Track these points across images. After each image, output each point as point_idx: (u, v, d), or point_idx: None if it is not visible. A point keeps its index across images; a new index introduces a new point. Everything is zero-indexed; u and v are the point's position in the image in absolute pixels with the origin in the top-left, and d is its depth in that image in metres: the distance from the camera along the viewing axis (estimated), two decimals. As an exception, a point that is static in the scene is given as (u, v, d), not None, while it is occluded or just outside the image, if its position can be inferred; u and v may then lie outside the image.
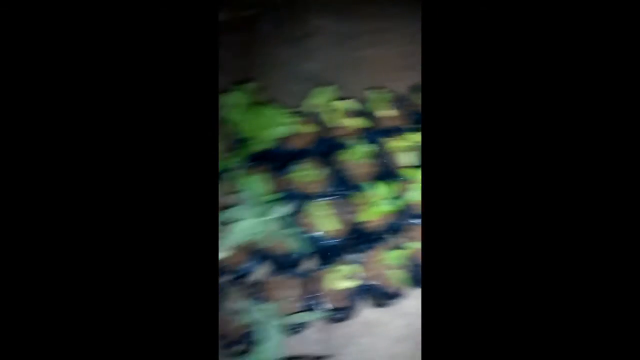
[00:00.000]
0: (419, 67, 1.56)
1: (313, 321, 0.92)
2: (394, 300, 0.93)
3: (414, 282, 0.96)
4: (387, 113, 1.08)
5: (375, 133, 1.03)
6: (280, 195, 0.92)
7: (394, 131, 1.03)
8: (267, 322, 0.78)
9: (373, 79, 1.38)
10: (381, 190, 0.90)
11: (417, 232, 0.91)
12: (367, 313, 0.98)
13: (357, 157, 0.97)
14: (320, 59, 1.50)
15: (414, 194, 0.89)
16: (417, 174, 0.91)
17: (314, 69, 1.47)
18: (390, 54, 1.46)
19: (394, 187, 0.92)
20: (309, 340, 0.97)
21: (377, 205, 0.90)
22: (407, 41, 1.49)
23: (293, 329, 0.85)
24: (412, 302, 1.01)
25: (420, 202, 0.91)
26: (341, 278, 0.84)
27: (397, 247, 0.87)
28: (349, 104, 1.06)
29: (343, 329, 0.97)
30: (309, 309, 0.84)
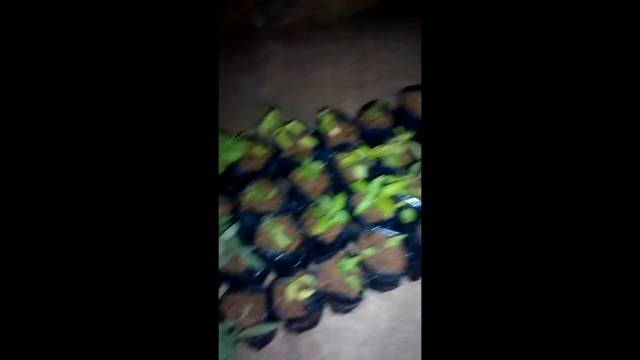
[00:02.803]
0: (370, 85, 1.62)
1: (276, 333, 0.95)
2: (354, 306, 0.98)
3: (371, 287, 1.02)
4: (337, 131, 1.15)
5: (327, 151, 1.10)
6: (233, 216, 0.97)
7: (344, 148, 1.09)
8: (224, 340, 0.81)
9: (325, 99, 1.45)
10: (334, 203, 0.95)
11: (370, 240, 0.97)
12: (329, 320, 1.03)
13: (309, 175, 1.03)
14: (274, 83, 1.58)
15: (365, 205, 0.95)
16: (367, 187, 0.97)
17: (267, 93, 1.54)
18: (341, 74, 1.55)
19: (346, 200, 0.98)
20: (274, 352, 1.01)
21: (331, 217, 0.95)
22: (356, 60, 1.58)
23: (256, 342, 0.88)
24: (371, 307, 1.06)
25: (368, 212, 0.98)
26: (300, 289, 0.89)
27: (352, 255, 0.93)
28: (300, 126, 1.13)
29: (307, 338, 1.01)
30: (269, 321, 0.88)
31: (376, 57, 1.58)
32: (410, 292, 1.09)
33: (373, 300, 1.08)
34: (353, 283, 0.89)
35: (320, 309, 0.95)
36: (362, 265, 0.93)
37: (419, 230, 0.99)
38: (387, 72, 1.53)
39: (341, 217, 0.95)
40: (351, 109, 1.28)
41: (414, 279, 1.09)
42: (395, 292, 1.09)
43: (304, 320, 0.90)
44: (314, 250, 0.96)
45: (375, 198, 0.93)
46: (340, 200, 0.96)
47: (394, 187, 0.94)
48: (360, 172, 1.04)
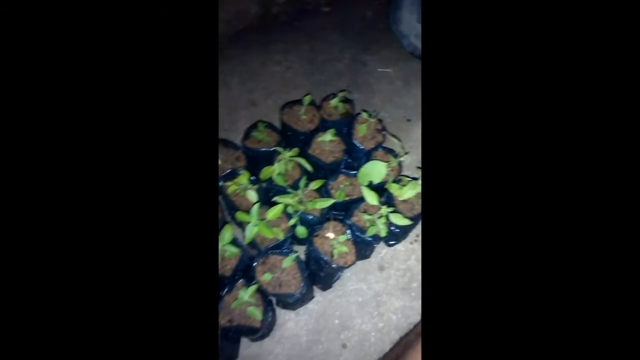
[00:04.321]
0: (260, 102, 1.60)
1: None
2: (263, 332, 0.98)
3: (283, 308, 1.03)
4: (222, 158, 1.14)
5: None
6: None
7: (232, 175, 1.09)
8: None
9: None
10: (223, 235, 0.94)
11: (267, 265, 0.97)
12: (248, 350, 1.02)
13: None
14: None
15: (251, 231, 0.94)
16: (252, 212, 0.97)
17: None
18: (231, 94, 1.53)
19: (233, 230, 0.98)
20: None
21: (224, 251, 0.95)
22: (245, 79, 1.58)
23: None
24: (289, 325, 1.07)
25: (261, 237, 0.99)
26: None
27: (249, 284, 0.92)
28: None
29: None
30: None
31: (264, 72, 1.59)
32: (323, 302, 1.11)
33: (290, 319, 1.09)
34: (254, 313, 0.89)
35: (233, 342, 0.95)
36: (262, 292, 0.93)
37: (314, 242, 1.01)
38: (277, 86, 1.54)
39: (232, 249, 0.95)
40: (242, 130, 1.28)
41: (324, 289, 1.12)
42: (310, 305, 1.11)
43: (221, 357, 0.89)
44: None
45: (259, 222, 0.93)
46: (228, 232, 0.95)
47: (279, 208, 0.95)
48: (252, 196, 1.04)
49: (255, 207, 0.93)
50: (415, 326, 1.02)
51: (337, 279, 1.10)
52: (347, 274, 1.15)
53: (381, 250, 1.19)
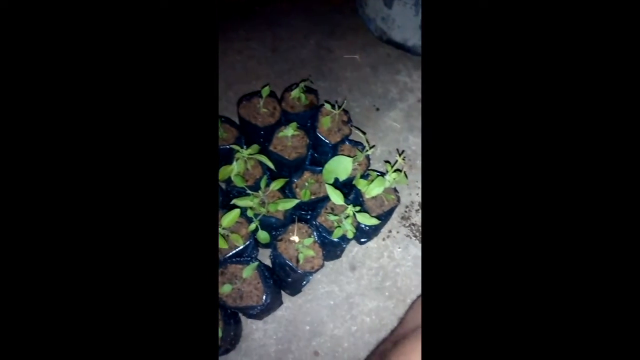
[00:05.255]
0: (220, 95, 1.52)
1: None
2: (227, 348, 0.91)
3: (250, 317, 0.97)
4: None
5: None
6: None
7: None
8: None
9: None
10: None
11: (226, 275, 0.89)
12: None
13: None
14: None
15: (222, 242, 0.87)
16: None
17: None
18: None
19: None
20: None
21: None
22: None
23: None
24: (257, 335, 0.99)
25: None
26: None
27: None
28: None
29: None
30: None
31: (224, 62, 1.48)
32: (293, 308, 1.04)
33: (258, 328, 1.02)
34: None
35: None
36: (221, 306, 0.86)
37: (278, 247, 0.94)
38: (237, 76, 1.44)
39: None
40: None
41: (292, 294, 1.05)
42: (279, 312, 1.04)
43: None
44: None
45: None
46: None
47: (235, 213, 0.87)
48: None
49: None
50: (391, 333, 0.97)
51: (307, 282, 1.03)
52: (317, 276, 1.08)
53: (352, 248, 1.13)
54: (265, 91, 1.09)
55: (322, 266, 0.94)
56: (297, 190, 1.03)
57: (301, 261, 0.92)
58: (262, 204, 0.96)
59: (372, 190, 0.94)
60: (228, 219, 0.86)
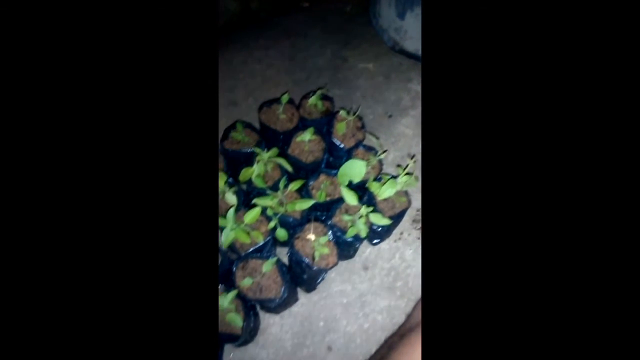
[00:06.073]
0: (240, 101, 1.57)
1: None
2: (246, 339, 0.96)
3: (267, 312, 1.02)
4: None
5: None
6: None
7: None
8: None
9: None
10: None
11: (246, 270, 0.95)
12: (231, 357, 1.01)
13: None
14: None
15: (228, 236, 0.92)
16: (227, 218, 0.95)
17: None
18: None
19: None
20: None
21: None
22: (225, 77, 1.55)
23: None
24: (273, 330, 1.05)
25: (240, 241, 0.97)
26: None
27: (229, 290, 0.90)
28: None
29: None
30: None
31: (245, 70, 1.56)
32: (308, 304, 1.10)
33: (274, 322, 1.08)
34: (234, 319, 0.87)
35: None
36: (242, 298, 0.91)
37: (295, 245, 0.99)
38: (257, 84, 1.51)
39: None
40: (221, 130, 1.25)
41: (308, 291, 1.10)
42: (295, 308, 1.09)
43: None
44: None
45: (235, 227, 0.91)
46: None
47: (257, 211, 0.93)
48: (231, 199, 1.01)
49: (231, 211, 0.91)
50: (399, 328, 1.01)
51: (321, 280, 1.09)
52: (331, 274, 1.13)
53: (365, 249, 1.18)
54: (285, 98, 1.16)
55: (336, 264, 0.99)
56: (314, 191, 1.08)
57: (317, 258, 0.97)
58: (281, 203, 1.02)
59: (384, 192, 0.99)
60: (250, 216, 0.92)
